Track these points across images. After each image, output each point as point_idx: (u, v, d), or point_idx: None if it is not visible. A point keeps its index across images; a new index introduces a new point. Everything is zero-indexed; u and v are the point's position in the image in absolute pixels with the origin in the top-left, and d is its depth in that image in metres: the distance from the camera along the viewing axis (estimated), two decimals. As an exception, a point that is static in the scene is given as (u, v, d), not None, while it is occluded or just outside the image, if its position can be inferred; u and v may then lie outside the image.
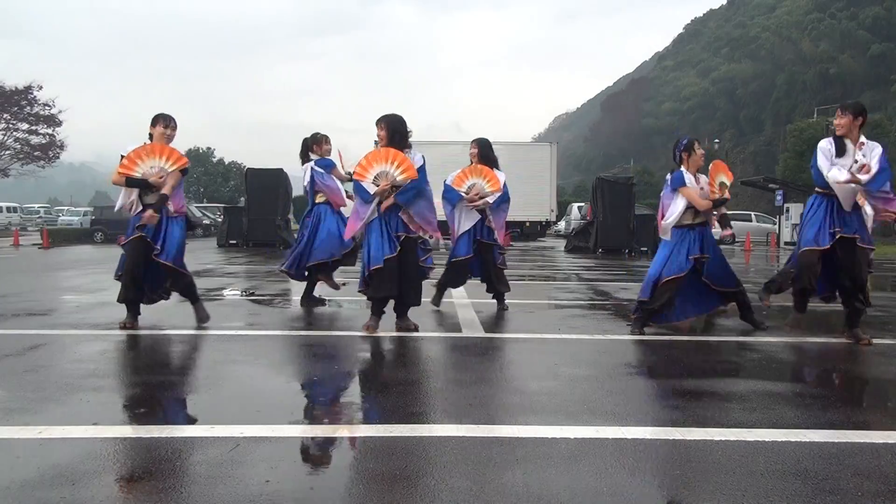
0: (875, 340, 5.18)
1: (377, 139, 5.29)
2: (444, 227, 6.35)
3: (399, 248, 5.04)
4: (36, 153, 34.45)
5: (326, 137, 6.75)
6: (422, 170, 5.14)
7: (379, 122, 5.22)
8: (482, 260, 6.42)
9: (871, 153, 4.79)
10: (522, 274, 11.52)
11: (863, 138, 4.88)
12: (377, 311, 5.19)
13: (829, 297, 5.28)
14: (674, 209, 5.26)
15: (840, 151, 4.80)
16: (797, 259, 5.05)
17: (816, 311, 7.06)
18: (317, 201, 6.55)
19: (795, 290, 5.08)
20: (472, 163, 6.46)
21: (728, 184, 5.47)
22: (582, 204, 30.57)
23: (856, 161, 4.75)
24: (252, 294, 8.01)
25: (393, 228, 5.09)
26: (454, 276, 6.53)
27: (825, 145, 4.87)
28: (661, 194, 5.51)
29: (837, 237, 4.78)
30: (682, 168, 5.29)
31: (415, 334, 5.14)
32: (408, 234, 5.11)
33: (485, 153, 6.40)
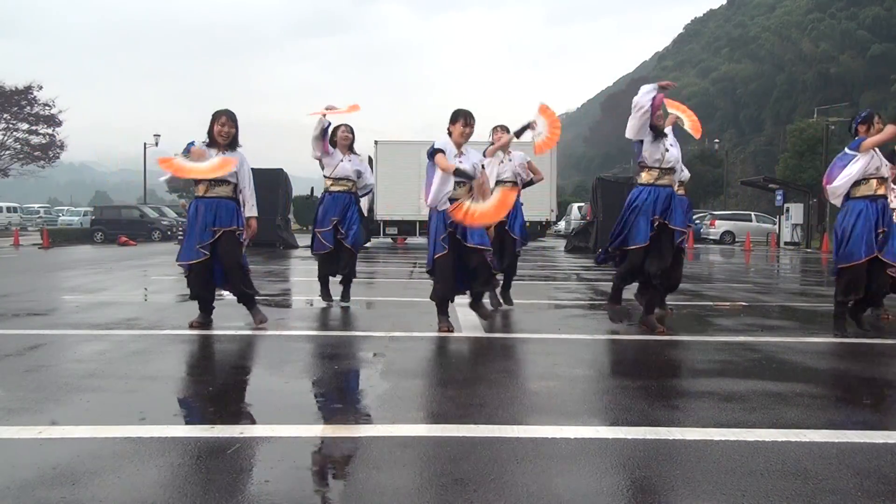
0: (875, 340, 5.19)
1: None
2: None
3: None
4: (36, 153, 34.49)
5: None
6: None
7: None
8: None
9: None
10: (522, 274, 11.50)
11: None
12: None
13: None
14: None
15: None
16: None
17: (817, 310, 7.06)
18: None
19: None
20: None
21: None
22: (582, 204, 30.57)
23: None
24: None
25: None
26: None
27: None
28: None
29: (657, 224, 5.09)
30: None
31: (415, 334, 5.14)
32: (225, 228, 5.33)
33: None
